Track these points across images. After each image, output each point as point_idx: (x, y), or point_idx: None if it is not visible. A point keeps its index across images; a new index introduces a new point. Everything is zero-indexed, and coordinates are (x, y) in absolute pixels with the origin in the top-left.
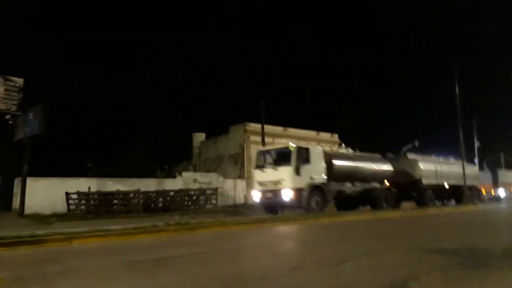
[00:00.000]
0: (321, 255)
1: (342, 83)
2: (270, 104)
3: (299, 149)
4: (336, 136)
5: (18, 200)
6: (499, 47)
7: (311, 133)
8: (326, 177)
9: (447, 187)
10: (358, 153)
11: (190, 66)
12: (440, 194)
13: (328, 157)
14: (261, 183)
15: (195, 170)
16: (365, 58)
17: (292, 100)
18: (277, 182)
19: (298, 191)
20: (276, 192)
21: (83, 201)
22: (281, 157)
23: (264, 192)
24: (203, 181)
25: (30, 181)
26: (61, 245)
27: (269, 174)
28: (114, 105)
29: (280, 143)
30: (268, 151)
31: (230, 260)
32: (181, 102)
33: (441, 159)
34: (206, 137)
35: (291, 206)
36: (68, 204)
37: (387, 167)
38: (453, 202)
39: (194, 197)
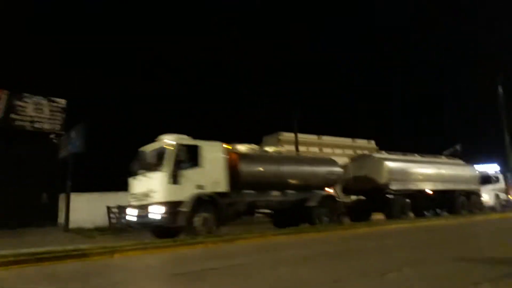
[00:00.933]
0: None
1: (382, 88)
2: (304, 113)
3: (180, 147)
4: (373, 142)
5: (63, 215)
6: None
7: (347, 140)
8: (227, 185)
9: (429, 192)
10: (295, 154)
11: (223, 76)
12: (422, 202)
13: (234, 159)
14: (133, 196)
15: None
16: (416, 65)
17: (327, 107)
18: (146, 194)
19: (173, 205)
20: (144, 208)
21: (123, 215)
22: (158, 159)
23: (134, 208)
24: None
25: (73, 196)
26: (104, 259)
27: (140, 184)
28: (149, 119)
29: (310, 152)
30: (144, 152)
31: (268, 271)
32: (214, 114)
33: (424, 157)
34: None
35: (166, 226)
36: (110, 218)
37: (334, 170)
38: (444, 212)
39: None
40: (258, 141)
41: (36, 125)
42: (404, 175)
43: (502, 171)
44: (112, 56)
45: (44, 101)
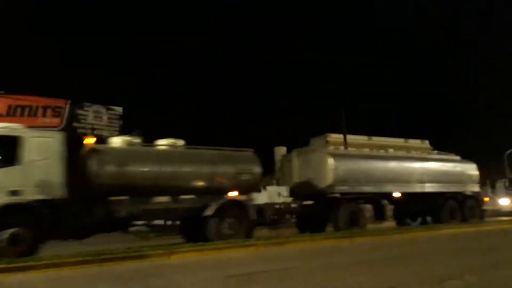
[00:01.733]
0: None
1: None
2: (354, 113)
3: None
4: (427, 142)
5: None
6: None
7: (399, 141)
8: (64, 190)
9: (397, 196)
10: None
11: (270, 78)
12: (404, 208)
13: (86, 155)
14: None
15: (278, 184)
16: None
17: (380, 107)
18: None
19: None
20: None
21: None
22: None
23: None
24: (287, 195)
25: None
26: (162, 260)
27: None
28: (193, 122)
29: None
30: None
31: (319, 276)
32: (262, 116)
33: (398, 152)
34: (288, 151)
35: None
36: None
37: (248, 168)
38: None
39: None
40: (306, 144)
41: (96, 132)
42: (359, 175)
43: None
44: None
45: (102, 109)
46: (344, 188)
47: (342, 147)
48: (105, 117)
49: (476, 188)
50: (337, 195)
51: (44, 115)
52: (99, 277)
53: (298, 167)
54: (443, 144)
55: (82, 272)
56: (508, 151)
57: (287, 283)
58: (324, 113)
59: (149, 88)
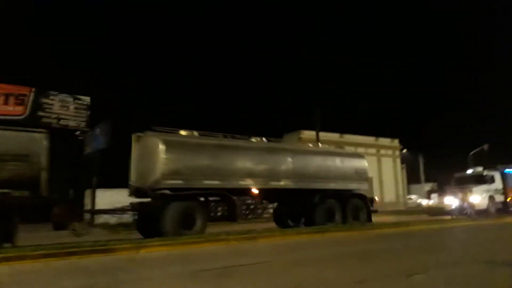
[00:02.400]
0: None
1: (402, 85)
2: (325, 111)
3: None
4: (396, 141)
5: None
6: None
7: (369, 139)
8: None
9: (254, 192)
10: None
11: (242, 73)
12: (284, 207)
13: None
14: None
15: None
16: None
17: (350, 105)
18: None
19: None
20: None
21: None
22: None
23: None
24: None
25: (98, 192)
26: (130, 254)
27: None
28: (168, 116)
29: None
30: None
31: (292, 271)
32: (234, 110)
33: (254, 141)
34: None
35: None
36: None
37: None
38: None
39: (252, 206)
40: (279, 139)
41: (62, 122)
42: (199, 166)
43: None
44: (135, 52)
45: (69, 99)
46: (178, 183)
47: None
48: (71, 107)
49: (364, 186)
50: (167, 191)
51: (6, 102)
52: (65, 271)
53: (137, 156)
54: (414, 143)
55: (46, 265)
56: (472, 152)
57: (258, 277)
58: (304, 111)
59: (119, 78)
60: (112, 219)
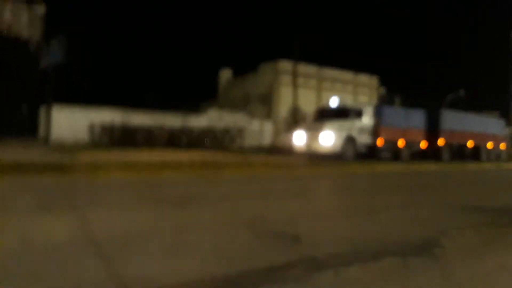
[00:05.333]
0: (352, 205)
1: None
2: (304, 41)
3: None
4: (375, 78)
5: (43, 128)
6: None
7: (348, 75)
8: None
9: None
10: None
11: None
12: None
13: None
14: None
15: (221, 108)
16: None
17: (330, 36)
18: None
19: None
20: None
21: (106, 133)
22: None
23: None
24: (228, 120)
25: (55, 110)
26: (87, 175)
27: None
28: (138, 38)
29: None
30: None
31: (256, 201)
32: (209, 34)
33: None
34: (234, 74)
35: None
36: (92, 135)
37: None
38: None
39: (219, 136)
40: (254, 68)
41: (14, 31)
42: None
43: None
44: None
45: (22, 6)
46: None
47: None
48: (25, 16)
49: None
50: None
51: None
52: (17, 187)
53: None
54: (393, 84)
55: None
56: (449, 96)
57: (223, 205)
58: (278, 40)
59: None
60: (69, 139)
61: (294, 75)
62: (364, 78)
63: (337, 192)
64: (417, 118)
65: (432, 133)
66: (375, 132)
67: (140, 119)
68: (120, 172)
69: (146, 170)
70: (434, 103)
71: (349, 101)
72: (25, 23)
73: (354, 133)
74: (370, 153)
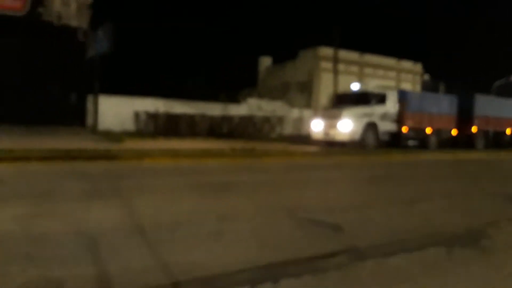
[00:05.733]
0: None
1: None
2: (345, 28)
3: None
4: (419, 65)
5: (91, 117)
6: None
7: (391, 61)
8: None
9: None
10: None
11: None
12: None
13: None
14: None
15: (260, 97)
16: None
17: (372, 24)
18: None
19: None
20: None
21: (151, 121)
22: None
23: None
24: (267, 108)
25: (102, 99)
26: (134, 162)
27: None
28: (180, 28)
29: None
30: None
31: (294, 190)
32: (249, 22)
33: None
34: (274, 62)
35: None
36: (137, 123)
37: None
38: None
39: (259, 125)
40: (293, 56)
41: (63, 21)
42: None
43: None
44: None
45: None
46: None
47: None
48: (73, 5)
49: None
50: None
51: None
52: (67, 174)
53: None
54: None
55: (49, 168)
56: (497, 83)
57: (259, 193)
58: (319, 27)
59: None
60: (116, 127)
61: (335, 60)
62: (407, 64)
63: (371, 181)
64: (448, 104)
65: (464, 119)
66: (399, 118)
67: (182, 108)
68: (166, 159)
69: (190, 158)
70: (473, 90)
71: (372, 86)
72: (74, 12)
73: (376, 120)
74: (394, 141)
